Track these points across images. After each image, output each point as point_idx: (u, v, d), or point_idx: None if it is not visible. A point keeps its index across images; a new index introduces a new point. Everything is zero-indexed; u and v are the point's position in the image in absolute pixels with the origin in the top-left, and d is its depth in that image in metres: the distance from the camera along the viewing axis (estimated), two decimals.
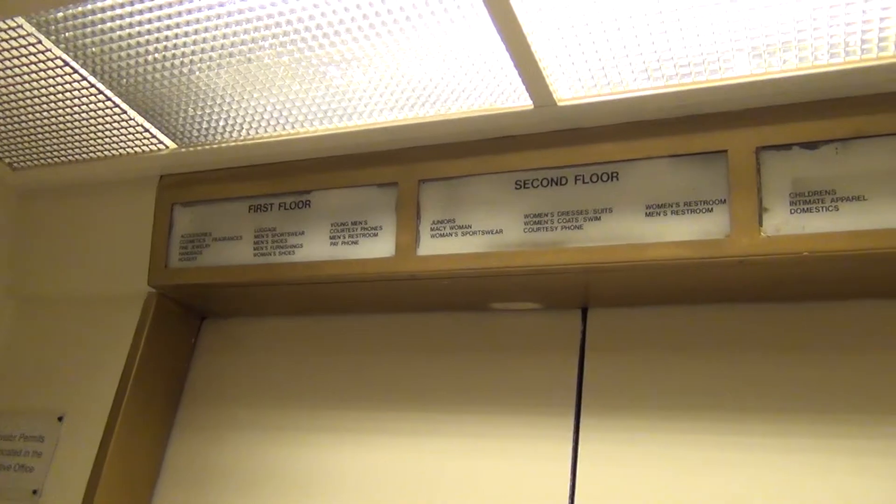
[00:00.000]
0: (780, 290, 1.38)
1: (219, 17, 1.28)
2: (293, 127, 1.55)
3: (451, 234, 1.48)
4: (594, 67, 1.28)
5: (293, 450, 1.70)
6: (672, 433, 1.42)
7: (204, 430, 1.81)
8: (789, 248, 1.23)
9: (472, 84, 1.36)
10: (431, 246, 1.49)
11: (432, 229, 1.50)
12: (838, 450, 1.31)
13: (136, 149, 1.69)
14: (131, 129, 1.62)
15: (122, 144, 1.68)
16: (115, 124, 1.61)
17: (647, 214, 1.34)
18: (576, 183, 1.41)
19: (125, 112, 1.56)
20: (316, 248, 1.59)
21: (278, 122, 1.54)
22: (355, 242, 1.56)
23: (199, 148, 1.65)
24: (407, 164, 1.54)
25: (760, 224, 1.26)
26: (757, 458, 1.35)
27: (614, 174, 1.38)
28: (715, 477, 1.36)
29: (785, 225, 1.25)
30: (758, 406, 1.38)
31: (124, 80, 1.47)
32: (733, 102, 1.29)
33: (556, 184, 1.42)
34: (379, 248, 1.54)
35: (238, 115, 1.53)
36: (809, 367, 1.37)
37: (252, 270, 1.64)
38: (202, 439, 1.80)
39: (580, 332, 1.56)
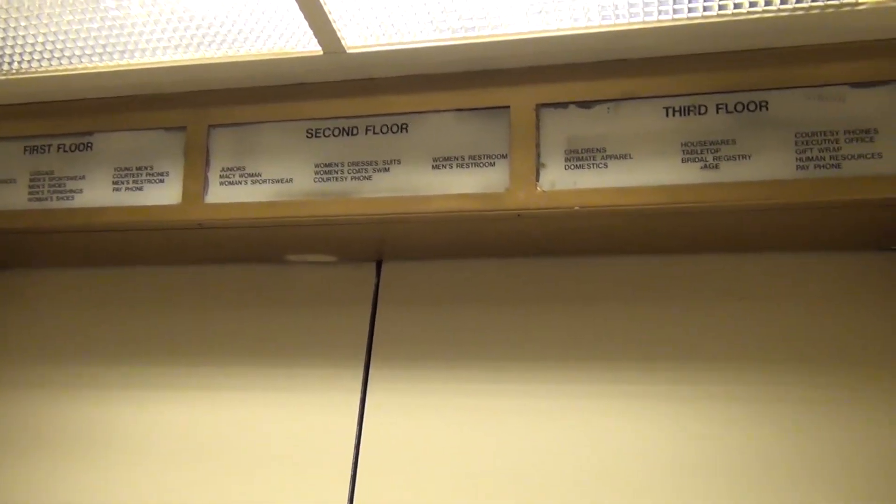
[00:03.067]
0: (557, 244, 1.45)
1: None
2: (70, 62, 1.44)
3: (240, 182, 1.43)
4: (381, 16, 1.27)
5: (74, 408, 1.61)
6: (456, 382, 1.46)
7: None
8: (563, 203, 1.29)
9: (260, 26, 1.32)
10: (220, 193, 1.44)
11: (221, 176, 1.45)
12: (610, 394, 1.40)
13: None
14: None
15: None
16: None
17: (433, 167, 1.36)
18: (366, 133, 1.40)
19: None
20: (98, 193, 1.50)
21: (52, 56, 1.42)
22: (140, 188, 1.48)
23: None
24: (195, 108, 1.47)
25: (538, 179, 1.30)
26: (536, 405, 1.42)
27: (404, 126, 1.39)
28: (497, 424, 1.42)
29: (560, 180, 1.30)
30: (537, 355, 1.45)
31: None
32: (515, 59, 1.32)
33: (348, 134, 1.41)
34: (165, 194, 1.46)
35: (5, 45, 1.40)
36: (586, 318, 1.45)
37: (26, 216, 1.52)
38: None
39: (374, 284, 1.57)
